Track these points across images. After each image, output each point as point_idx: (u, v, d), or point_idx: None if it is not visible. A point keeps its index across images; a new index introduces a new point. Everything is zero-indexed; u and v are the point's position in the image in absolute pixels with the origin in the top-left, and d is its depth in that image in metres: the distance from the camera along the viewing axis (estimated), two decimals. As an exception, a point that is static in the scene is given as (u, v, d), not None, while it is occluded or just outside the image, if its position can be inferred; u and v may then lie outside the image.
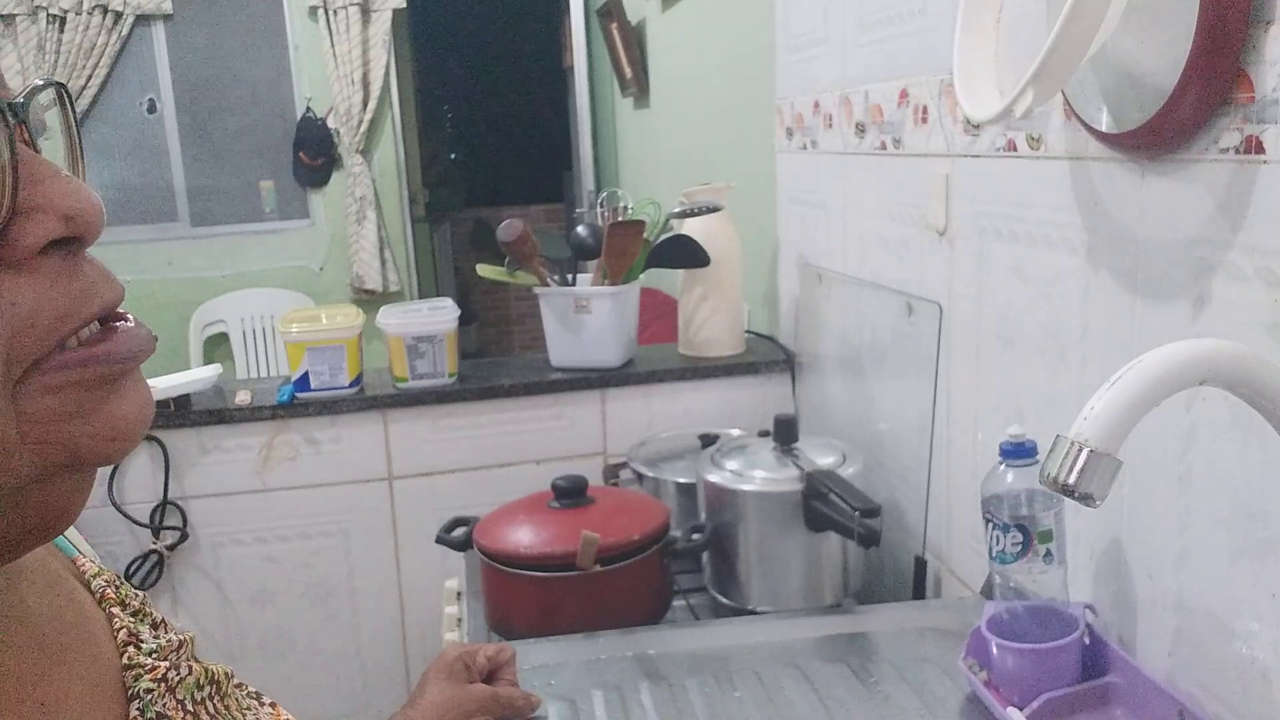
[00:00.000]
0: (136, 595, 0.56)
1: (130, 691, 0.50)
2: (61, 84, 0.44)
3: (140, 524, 1.86)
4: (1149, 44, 0.87)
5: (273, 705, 0.63)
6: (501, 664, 1.08)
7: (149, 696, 0.50)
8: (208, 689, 0.54)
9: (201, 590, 1.93)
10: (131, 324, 0.44)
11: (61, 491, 0.42)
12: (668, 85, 3.33)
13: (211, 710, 0.54)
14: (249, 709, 0.59)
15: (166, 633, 0.55)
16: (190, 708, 0.52)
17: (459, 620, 1.47)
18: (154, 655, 0.52)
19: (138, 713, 0.49)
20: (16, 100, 0.40)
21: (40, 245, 0.39)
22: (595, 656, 1.21)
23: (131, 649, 0.51)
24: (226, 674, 0.57)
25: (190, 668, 0.54)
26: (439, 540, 1.44)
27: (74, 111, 0.45)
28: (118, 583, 0.55)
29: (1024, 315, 1.17)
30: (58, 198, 0.40)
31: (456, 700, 0.99)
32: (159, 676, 0.51)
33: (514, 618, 1.34)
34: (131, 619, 0.54)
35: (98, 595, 0.54)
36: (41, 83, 0.43)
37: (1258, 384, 0.71)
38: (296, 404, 1.88)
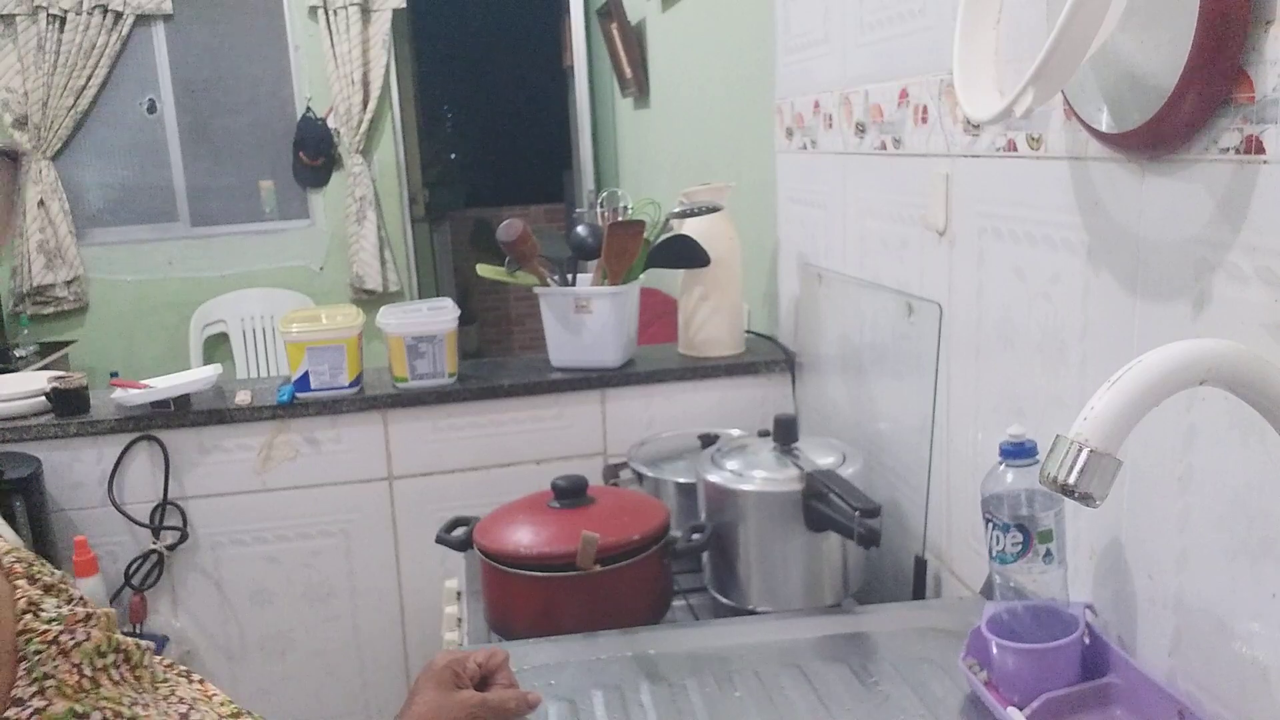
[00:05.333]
0: (54, 574, 0.59)
1: (20, 654, 0.53)
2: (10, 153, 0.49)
3: (140, 524, 1.86)
4: (1149, 44, 0.87)
5: (201, 682, 0.65)
6: (494, 669, 1.04)
7: (37, 658, 0.53)
8: (112, 657, 0.57)
9: (201, 590, 1.93)
10: None
11: None
12: (668, 85, 3.33)
13: (116, 677, 0.56)
14: (166, 681, 0.61)
15: (84, 607, 0.58)
16: (89, 673, 0.55)
17: (459, 620, 1.47)
18: (53, 623, 0.54)
19: (24, 673, 0.52)
20: None
21: None
22: (595, 656, 1.21)
23: (29, 616, 0.55)
24: (139, 647, 0.60)
25: (90, 634, 0.56)
26: (439, 540, 1.44)
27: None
28: (31, 560, 0.59)
29: (1024, 315, 1.17)
30: None
31: (443, 708, 0.96)
32: (50, 639, 0.54)
33: (514, 618, 1.34)
34: (40, 592, 0.57)
35: (5, 569, 0.57)
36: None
37: (1258, 384, 0.71)
38: (296, 404, 1.88)
